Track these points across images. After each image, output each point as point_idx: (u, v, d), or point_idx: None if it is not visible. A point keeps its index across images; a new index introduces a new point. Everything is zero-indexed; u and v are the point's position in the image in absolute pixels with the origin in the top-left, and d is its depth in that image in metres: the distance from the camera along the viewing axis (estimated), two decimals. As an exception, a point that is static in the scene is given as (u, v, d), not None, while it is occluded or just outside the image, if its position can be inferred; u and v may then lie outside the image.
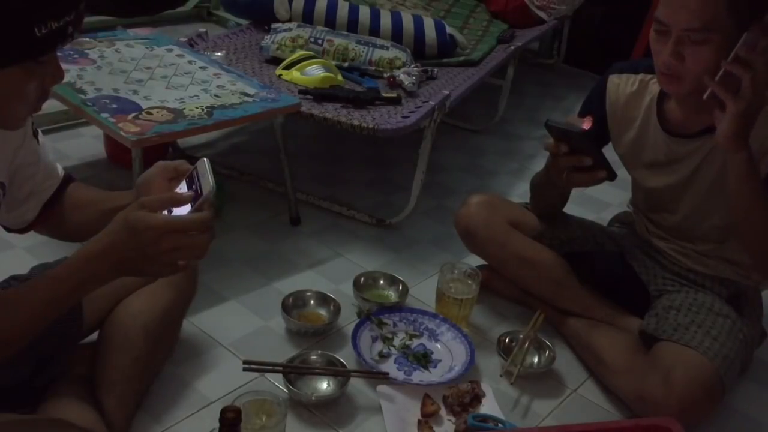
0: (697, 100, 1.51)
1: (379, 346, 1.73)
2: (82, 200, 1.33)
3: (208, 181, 1.06)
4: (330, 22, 2.69)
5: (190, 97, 1.94)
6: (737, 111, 1.35)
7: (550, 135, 1.51)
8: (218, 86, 2.03)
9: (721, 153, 1.52)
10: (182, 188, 1.12)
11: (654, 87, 1.62)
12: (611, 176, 1.51)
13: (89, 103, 1.81)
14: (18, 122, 1.08)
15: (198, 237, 1.05)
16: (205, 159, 1.09)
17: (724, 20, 1.36)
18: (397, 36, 2.68)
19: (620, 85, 1.67)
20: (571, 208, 1.95)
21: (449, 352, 1.73)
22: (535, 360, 1.75)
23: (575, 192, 2.66)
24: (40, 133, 1.27)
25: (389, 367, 1.67)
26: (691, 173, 1.60)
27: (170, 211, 1.09)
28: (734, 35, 1.38)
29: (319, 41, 2.51)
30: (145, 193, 1.20)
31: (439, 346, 1.75)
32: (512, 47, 2.97)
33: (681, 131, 1.58)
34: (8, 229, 1.32)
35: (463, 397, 1.56)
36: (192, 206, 1.07)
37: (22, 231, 1.33)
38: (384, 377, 1.60)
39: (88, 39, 2.19)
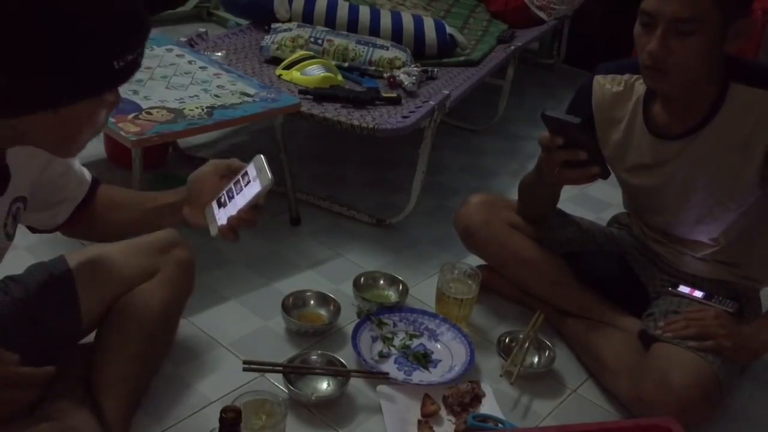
0: (682, 101, 1.51)
1: (379, 346, 1.73)
2: (117, 200, 1.37)
3: (266, 175, 1.13)
4: (330, 22, 2.69)
5: (190, 97, 1.94)
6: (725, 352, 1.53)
7: (545, 126, 1.48)
8: (218, 86, 2.03)
9: (707, 153, 1.53)
10: (237, 182, 1.18)
11: (640, 88, 1.61)
12: (604, 173, 1.48)
13: (89, 103, 1.81)
14: (80, 149, 1.12)
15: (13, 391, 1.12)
16: (261, 155, 1.16)
17: (711, 12, 1.37)
18: (397, 36, 2.68)
19: (606, 85, 1.66)
20: (571, 208, 1.95)
21: (449, 352, 1.73)
22: (535, 360, 1.75)
23: (575, 192, 2.66)
24: None
25: (389, 367, 1.67)
26: (677, 174, 1.59)
27: (230, 200, 1.16)
28: (721, 28, 1.39)
29: (319, 41, 2.51)
30: (198, 190, 1.26)
31: (439, 346, 1.75)
32: (512, 47, 2.97)
33: (666, 132, 1.57)
34: (33, 230, 1.34)
35: (463, 397, 1.56)
36: (249, 200, 1.14)
37: (49, 231, 1.35)
38: (384, 377, 1.60)
39: (88, 39, 2.19)
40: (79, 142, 1.09)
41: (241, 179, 1.19)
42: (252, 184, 1.16)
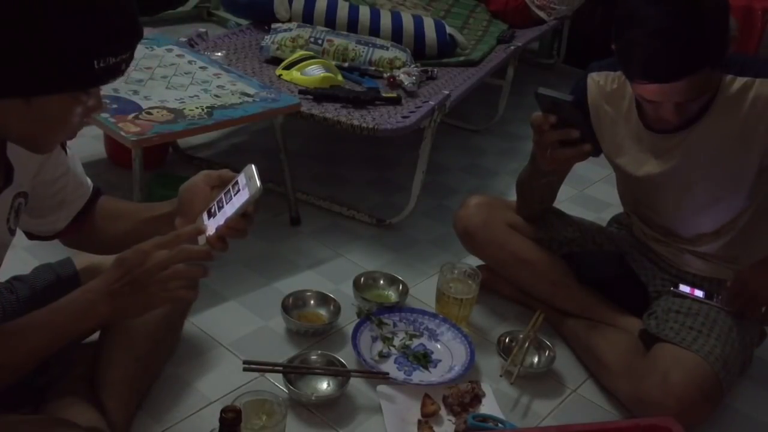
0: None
1: (379, 346, 1.73)
2: (116, 211, 1.36)
3: (255, 183, 1.12)
4: (330, 22, 2.69)
5: (190, 97, 1.94)
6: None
7: (538, 105, 1.48)
8: (218, 86, 2.03)
9: (705, 144, 1.53)
10: (228, 192, 1.17)
11: None
12: (596, 151, 1.49)
13: (89, 103, 1.81)
14: (52, 147, 1.12)
15: (186, 248, 1.09)
16: (252, 164, 1.16)
17: (709, 75, 1.39)
18: (397, 36, 2.68)
19: (600, 82, 1.66)
20: (571, 208, 1.94)
21: (449, 352, 1.73)
22: (535, 360, 1.75)
23: (575, 192, 2.66)
24: (68, 145, 1.28)
25: (389, 367, 1.67)
26: (677, 167, 1.59)
27: (220, 210, 1.15)
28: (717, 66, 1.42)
29: (319, 41, 2.51)
30: (188, 201, 1.24)
31: (439, 346, 1.75)
32: (512, 47, 2.97)
33: (662, 126, 1.58)
34: (30, 236, 1.32)
35: (463, 397, 1.56)
36: (238, 208, 1.13)
37: (47, 238, 1.34)
38: (384, 377, 1.60)
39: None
40: (50, 140, 1.07)
41: (231, 189, 1.17)
42: (241, 192, 1.14)
